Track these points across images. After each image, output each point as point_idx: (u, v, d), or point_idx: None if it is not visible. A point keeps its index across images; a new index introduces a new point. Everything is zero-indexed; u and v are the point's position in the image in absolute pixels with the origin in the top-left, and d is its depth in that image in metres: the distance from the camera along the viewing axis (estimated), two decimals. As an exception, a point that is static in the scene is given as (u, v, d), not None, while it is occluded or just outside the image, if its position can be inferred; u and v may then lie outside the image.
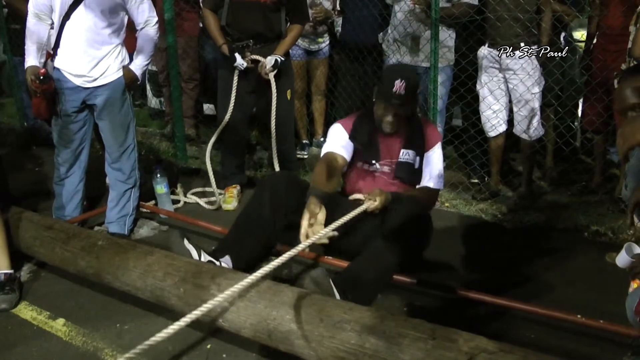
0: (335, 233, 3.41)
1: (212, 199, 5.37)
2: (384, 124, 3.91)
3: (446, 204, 5.27)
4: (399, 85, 3.76)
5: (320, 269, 3.25)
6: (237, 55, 4.93)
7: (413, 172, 4.01)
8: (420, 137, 4.01)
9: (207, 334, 3.33)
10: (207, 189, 5.57)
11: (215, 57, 6.70)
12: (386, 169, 4.05)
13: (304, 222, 3.42)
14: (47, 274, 4.14)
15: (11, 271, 3.83)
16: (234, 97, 5.05)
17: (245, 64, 4.95)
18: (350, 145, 4.04)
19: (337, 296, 3.13)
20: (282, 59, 4.99)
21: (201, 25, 6.89)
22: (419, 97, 3.94)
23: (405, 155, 3.99)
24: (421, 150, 4.01)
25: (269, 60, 4.93)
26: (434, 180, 4.01)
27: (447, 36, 5.36)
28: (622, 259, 2.87)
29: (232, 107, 5.06)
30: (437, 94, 5.15)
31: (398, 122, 3.90)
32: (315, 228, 3.40)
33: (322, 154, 4.08)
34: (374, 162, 4.04)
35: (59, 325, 3.52)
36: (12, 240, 4.02)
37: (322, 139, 6.57)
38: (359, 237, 3.75)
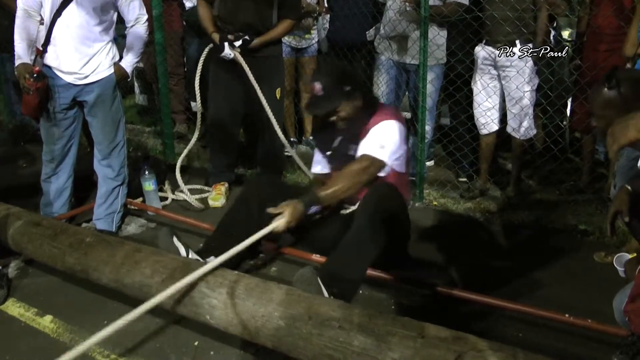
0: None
1: (199, 196, 5.38)
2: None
3: (434, 203, 5.28)
4: (316, 88, 3.72)
5: (308, 268, 3.24)
6: (225, 44, 4.95)
7: (348, 160, 3.84)
8: (363, 127, 3.83)
9: (194, 332, 3.33)
10: (196, 186, 5.57)
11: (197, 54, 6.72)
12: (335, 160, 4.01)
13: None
14: (35, 270, 4.12)
15: (-1, 268, 3.83)
16: (206, 87, 5.20)
17: (232, 54, 4.96)
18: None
19: (325, 294, 3.12)
20: (249, 39, 4.98)
21: (184, 23, 6.89)
22: (344, 89, 3.80)
23: (350, 147, 3.90)
24: (360, 138, 3.84)
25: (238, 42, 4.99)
26: (372, 147, 3.73)
27: (437, 34, 5.35)
28: (620, 272, 2.97)
29: (207, 102, 5.10)
30: (425, 92, 5.14)
31: (338, 119, 3.82)
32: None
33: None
34: (327, 153, 4.03)
35: (46, 322, 3.51)
36: (0, 236, 4.01)
37: (311, 138, 6.56)
38: (334, 231, 3.74)
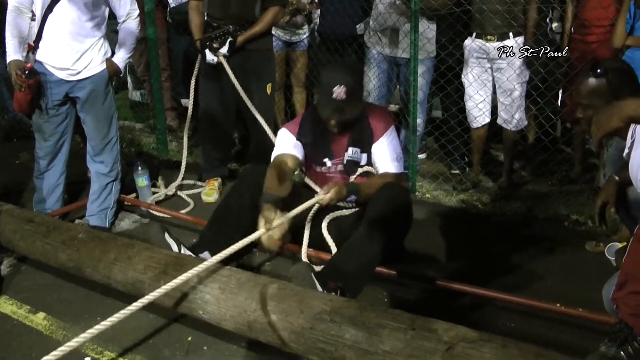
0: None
1: (192, 191, 5.41)
2: (331, 127, 3.83)
3: (427, 195, 5.29)
4: (338, 91, 3.66)
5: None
6: (207, 51, 4.97)
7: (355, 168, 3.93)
8: (367, 132, 3.86)
9: (188, 327, 3.34)
10: (189, 181, 5.57)
11: (186, 50, 6.71)
12: (339, 167, 3.96)
13: (260, 229, 3.27)
14: (28, 267, 4.12)
15: (-9, 265, 3.83)
16: (193, 83, 5.27)
17: (215, 59, 4.98)
18: (299, 146, 3.97)
19: (319, 289, 3.13)
20: (233, 39, 4.98)
21: (170, 20, 6.85)
22: (361, 95, 3.86)
23: (354, 153, 3.89)
24: (368, 145, 3.88)
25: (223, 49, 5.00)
26: (393, 164, 3.86)
27: (427, 28, 5.35)
28: (612, 261, 3.00)
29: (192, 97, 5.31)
30: (417, 85, 5.15)
31: (344, 124, 3.81)
32: (273, 232, 3.29)
33: (271, 160, 3.96)
34: (325, 160, 3.96)
35: (39, 319, 3.52)
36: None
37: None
38: (339, 229, 3.75)
